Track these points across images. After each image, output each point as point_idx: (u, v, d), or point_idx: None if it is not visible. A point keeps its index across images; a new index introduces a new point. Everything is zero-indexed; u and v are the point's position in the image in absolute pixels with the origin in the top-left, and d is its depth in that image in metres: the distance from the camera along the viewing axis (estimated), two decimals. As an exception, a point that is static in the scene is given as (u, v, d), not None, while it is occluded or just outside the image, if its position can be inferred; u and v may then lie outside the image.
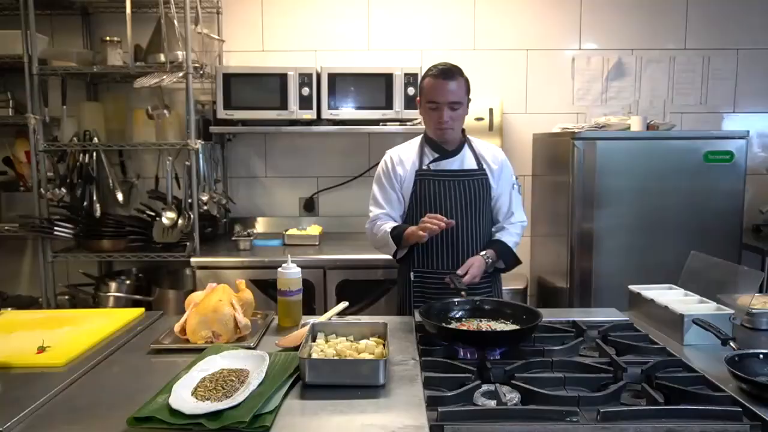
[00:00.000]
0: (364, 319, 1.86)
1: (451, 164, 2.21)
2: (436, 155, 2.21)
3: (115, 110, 3.39)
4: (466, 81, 2.15)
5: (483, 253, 2.15)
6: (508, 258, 2.21)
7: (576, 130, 2.98)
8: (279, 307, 1.84)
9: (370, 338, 1.56)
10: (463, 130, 2.25)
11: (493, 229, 2.28)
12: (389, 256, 2.31)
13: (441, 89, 2.08)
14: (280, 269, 1.82)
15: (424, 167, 2.20)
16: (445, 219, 1.97)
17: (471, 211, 2.18)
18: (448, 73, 2.09)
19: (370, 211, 2.31)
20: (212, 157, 3.31)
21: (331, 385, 1.35)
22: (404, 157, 2.25)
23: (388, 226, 2.19)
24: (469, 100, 2.18)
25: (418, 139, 2.29)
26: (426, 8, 3.50)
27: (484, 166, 2.22)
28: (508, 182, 2.28)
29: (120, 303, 3.11)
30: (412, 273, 2.21)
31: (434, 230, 1.96)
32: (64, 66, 3.06)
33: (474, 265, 2.07)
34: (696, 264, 1.99)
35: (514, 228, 2.26)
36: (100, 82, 3.49)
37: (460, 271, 2.04)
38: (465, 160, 2.22)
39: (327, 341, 1.57)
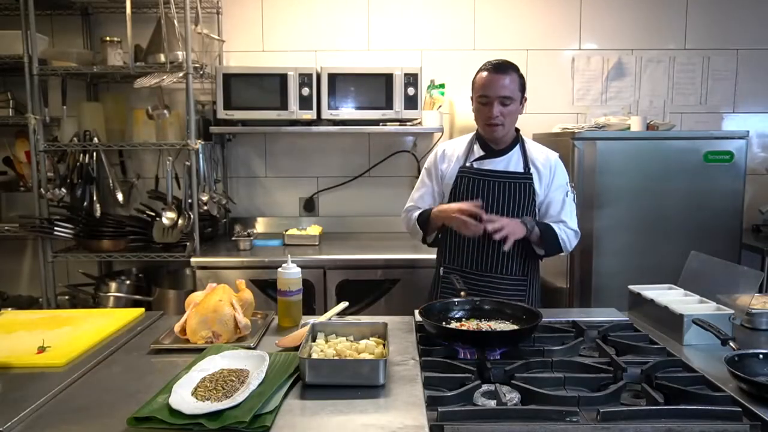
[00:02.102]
0: (364, 319, 1.86)
1: (496, 164, 2.14)
2: (483, 153, 2.16)
3: (115, 110, 3.39)
4: (521, 78, 2.09)
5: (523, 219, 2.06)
6: (549, 239, 2.09)
7: (576, 130, 2.98)
8: (279, 307, 1.84)
9: (370, 338, 1.56)
10: (517, 130, 2.19)
11: None
12: (389, 256, 2.31)
13: (492, 83, 2.04)
14: (280, 269, 1.82)
15: (468, 164, 2.16)
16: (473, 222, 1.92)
17: (508, 215, 2.09)
18: (501, 67, 2.06)
19: (408, 199, 2.33)
20: (212, 157, 3.31)
21: (331, 385, 1.35)
22: (451, 152, 2.22)
23: (416, 213, 2.22)
24: (524, 99, 2.12)
25: (471, 135, 2.24)
26: (426, 8, 3.50)
27: (532, 170, 2.13)
28: (561, 189, 2.17)
29: (120, 303, 3.11)
30: (441, 269, 2.20)
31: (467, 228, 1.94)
32: (64, 66, 3.06)
33: (509, 224, 1.97)
34: (696, 264, 1.98)
35: (564, 227, 2.14)
36: (100, 82, 3.49)
37: (488, 226, 1.94)
38: (512, 162, 2.15)
39: (327, 341, 1.57)
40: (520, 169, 2.14)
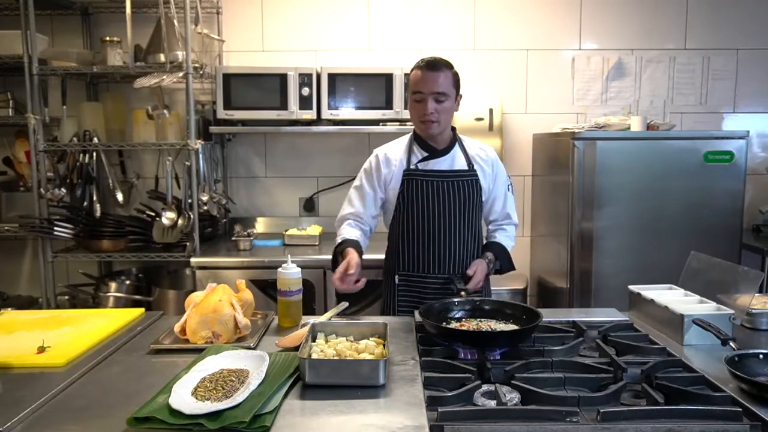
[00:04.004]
0: (364, 319, 1.86)
1: (441, 164, 2.13)
2: (425, 154, 2.14)
3: (115, 110, 3.39)
4: (455, 75, 2.08)
5: (485, 255, 2.14)
6: (504, 262, 2.19)
7: (576, 130, 2.98)
8: (279, 307, 1.84)
9: (370, 338, 1.56)
10: (454, 129, 2.19)
11: (490, 228, 2.27)
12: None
13: (426, 80, 2.03)
14: (280, 269, 1.82)
15: (412, 167, 2.13)
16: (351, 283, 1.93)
17: (460, 213, 2.11)
18: (434, 64, 2.05)
19: (343, 207, 2.26)
20: (212, 157, 3.32)
21: (331, 385, 1.35)
22: (391, 156, 2.18)
23: (340, 238, 2.15)
24: (459, 96, 2.11)
25: (407, 138, 2.21)
26: (426, 8, 3.50)
27: (475, 167, 2.15)
28: (503, 183, 2.23)
29: (120, 303, 3.11)
30: (397, 276, 2.17)
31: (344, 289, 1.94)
32: (64, 66, 3.07)
33: (478, 270, 2.06)
34: (696, 264, 1.98)
35: (511, 230, 2.24)
36: (100, 82, 3.50)
37: (469, 271, 2.04)
38: (455, 160, 2.15)
39: (327, 341, 1.57)
40: (464, 167, 2.15)
